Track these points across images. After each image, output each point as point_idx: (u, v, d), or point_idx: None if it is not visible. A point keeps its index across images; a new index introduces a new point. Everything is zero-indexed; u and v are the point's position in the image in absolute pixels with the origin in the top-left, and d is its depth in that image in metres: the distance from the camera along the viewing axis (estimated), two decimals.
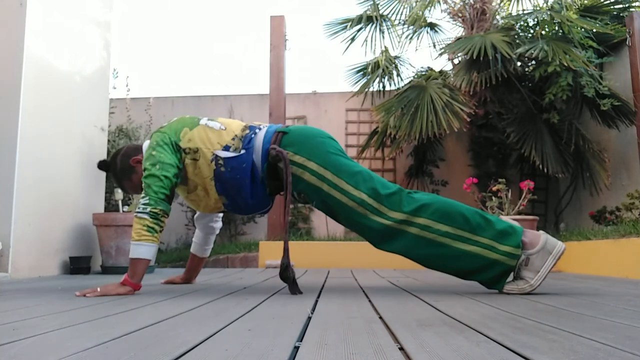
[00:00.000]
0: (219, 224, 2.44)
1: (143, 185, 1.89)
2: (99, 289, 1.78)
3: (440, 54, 5.21)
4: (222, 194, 1.97)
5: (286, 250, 1.83)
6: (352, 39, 5.70)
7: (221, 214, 2.41)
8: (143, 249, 1.83)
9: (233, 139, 1.93)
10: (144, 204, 1.85)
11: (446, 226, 1.80)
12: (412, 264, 2.51)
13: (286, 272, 1.82)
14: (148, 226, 1.83)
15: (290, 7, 13.20)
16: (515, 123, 4.73)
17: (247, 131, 1.95)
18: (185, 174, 1.98)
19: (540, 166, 4.49)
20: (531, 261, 1.76)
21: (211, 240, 2.44)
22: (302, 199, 2.00)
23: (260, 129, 1.97)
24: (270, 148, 1.88)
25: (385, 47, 5.71)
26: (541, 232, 1.82)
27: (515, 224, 1.84)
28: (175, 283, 2.42)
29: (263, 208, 2.03)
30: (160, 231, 1.87)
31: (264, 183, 1.94)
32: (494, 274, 1.79)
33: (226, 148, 1.91)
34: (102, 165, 2.19)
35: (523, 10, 5.19)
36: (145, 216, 1.84)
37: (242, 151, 1.90)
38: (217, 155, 1.91)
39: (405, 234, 1.82)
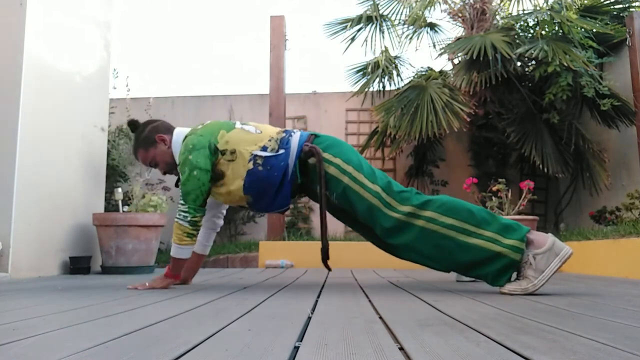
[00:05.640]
0: (221, 221, 2.50)
1: (181, 190, 2.11)
2: (147, 284, 2.13)
3: (440, 54, 5.21)
4: (249, 193, 2.10)
5: (325, 232, 2.11)
6: (352, 39, 5.70)
7: (224, 211, 2.51)
8: (184, 250, 2.13)
9: (269, 140, 2.10)
10: (183, 212, 2.10)
11: (451, 219, 1.86)
12: (412, 265, 2.50)
13: (326, 251, 2.12)
14: (188, 232, 2.10)
15: (290, 7, 13.18)
16: (515, 123, 4.72)
17: (284, 134, 2.14)
18: (220, 173, 2.12)
19: (540, 166, 4.49)
20: (537, 261, 1.75)
21: (212, 237, 2.49)
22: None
23: (294, 132, 2.16)
24: (304, 144, 2.08)
25: (385, 47, 5.70)
26: (549, 234, 1.82)
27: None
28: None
29: (283, 207, 2.17)
30: (198, 232, 2.15)
31: (291, 182, 2.09)
32: (496, 267, 1.80)
33: (264, 149, 2.08)
34: (132, 123, 2.33)
35: (523, 10, 5.18)
36: (186, 224, 2.10)
37: (281, 151, 2.07)
38: (256, 155, 2.07)
39: (412, 226, 1.91)
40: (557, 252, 1.75)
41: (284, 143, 2.09)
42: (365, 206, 1.97)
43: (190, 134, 2.15)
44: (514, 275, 1.82)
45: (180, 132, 2.25)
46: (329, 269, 2.20)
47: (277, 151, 2.07)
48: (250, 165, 2.06)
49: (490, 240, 1.81)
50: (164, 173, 2.33)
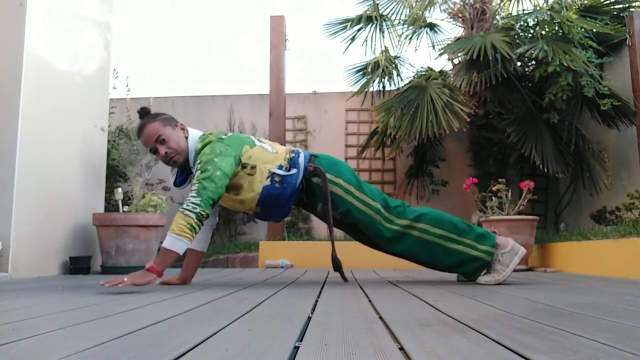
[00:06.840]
0: (217, 218, 2.55)
1: (198, 184, 2.07)
2: (125, 279, 1.88)
3: (440, 54, 5.20)
4: (260, 205, 2.28)
5: (333, 244, 2.43)
6: (352, 39, 5.69)
7: (218, 209, 2.53)
8: (180, 243, 1.98)
9: (284, 160, 2.30)
10: (194, 204, 2.02)
11: (440, 230, 2.29)
12: (412, 265, 2.53)
13: (337, 261, 2.38)
14: (192, 225, 2.00)
15: (290, 7, 13.18)
16: (515, 123, 4.72)
17: (293, 155, 2.33)
18: (237, 185, 2.24)
19: (541, 166, 4.49)
20: (503, 258, 2.26)
21: (210, 233, 2.51)
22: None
23: (300, 152, 2.36)
24: (308, 165, 2.31)
25: (385, 47, 5.70)
26: (509, 238, 2.33)
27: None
28: (172, 284, 2.38)
29: (282, 218, 2.41)
30: (200, 228, 2.05)
31: (294, 199, 2.31)
32: (473, 267, 2.29)
33: (280, 167, 2.27)
34: (145, 109, 2.37)
35: (523, 10, 5.18)
36: (193, 215, 2.00)
37: (294, 170, 2.28)
38: (274, 173, 2.25)
39: (409, 236, 2.30)
40: (517, 251, 2.26)
41: (294, 162, 2.29)
42: (369, 221, 2.29)
43: (216, 140, 2.22)
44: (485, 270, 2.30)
45: (195, 132, 2.32)
46: (345, 280, 2.49)
47: (290, 170, 2.26)
48: (268, 182, 2.24)
49: (469, 246, 2.27)
50: (164, 157, 2.22)
